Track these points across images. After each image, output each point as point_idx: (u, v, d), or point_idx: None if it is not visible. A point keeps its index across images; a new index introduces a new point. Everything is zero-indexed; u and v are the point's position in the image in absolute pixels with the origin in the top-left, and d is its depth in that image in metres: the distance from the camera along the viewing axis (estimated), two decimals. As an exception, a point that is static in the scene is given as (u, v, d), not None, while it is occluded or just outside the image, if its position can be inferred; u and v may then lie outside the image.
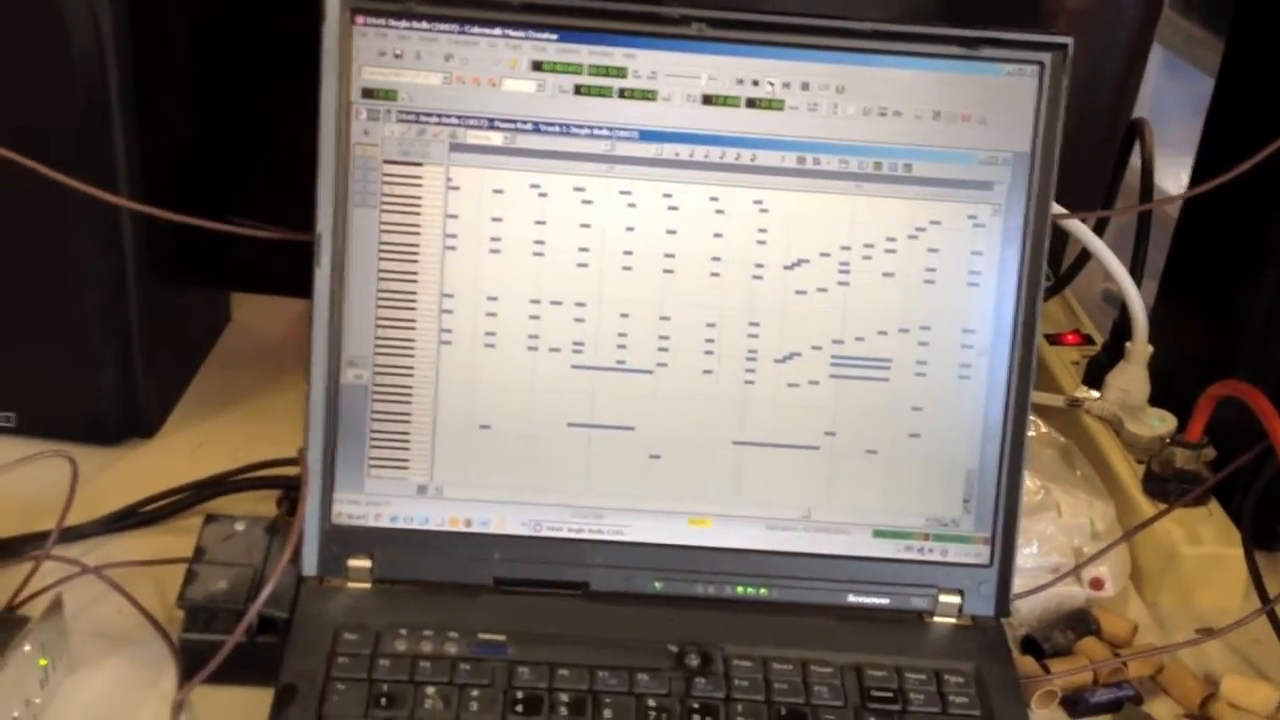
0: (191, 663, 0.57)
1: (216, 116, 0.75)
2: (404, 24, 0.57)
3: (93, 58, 0.64)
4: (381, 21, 0.56)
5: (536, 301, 0.58)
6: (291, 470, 0.70)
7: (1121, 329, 0.79)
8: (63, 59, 0.64)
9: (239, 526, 0.61)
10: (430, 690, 0.54)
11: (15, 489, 0.66)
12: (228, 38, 0.72)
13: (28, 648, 0.54)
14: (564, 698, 0.54)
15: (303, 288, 0.84)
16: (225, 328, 0.86)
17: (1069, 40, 0.58)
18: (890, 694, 0.55)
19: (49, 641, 0.56)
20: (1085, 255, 0.81)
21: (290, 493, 0.69)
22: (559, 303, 0.58)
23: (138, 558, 0.63)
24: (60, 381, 0.70)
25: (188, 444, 0.75)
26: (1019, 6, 0.79)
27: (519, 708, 0.54)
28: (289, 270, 0.82)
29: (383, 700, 0.53)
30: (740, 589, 0.59)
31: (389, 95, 0.57)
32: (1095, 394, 0.78)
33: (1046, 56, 0.58)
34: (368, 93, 0.57)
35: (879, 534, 0.60)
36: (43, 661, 0.55)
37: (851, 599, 0.59)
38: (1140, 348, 0.76)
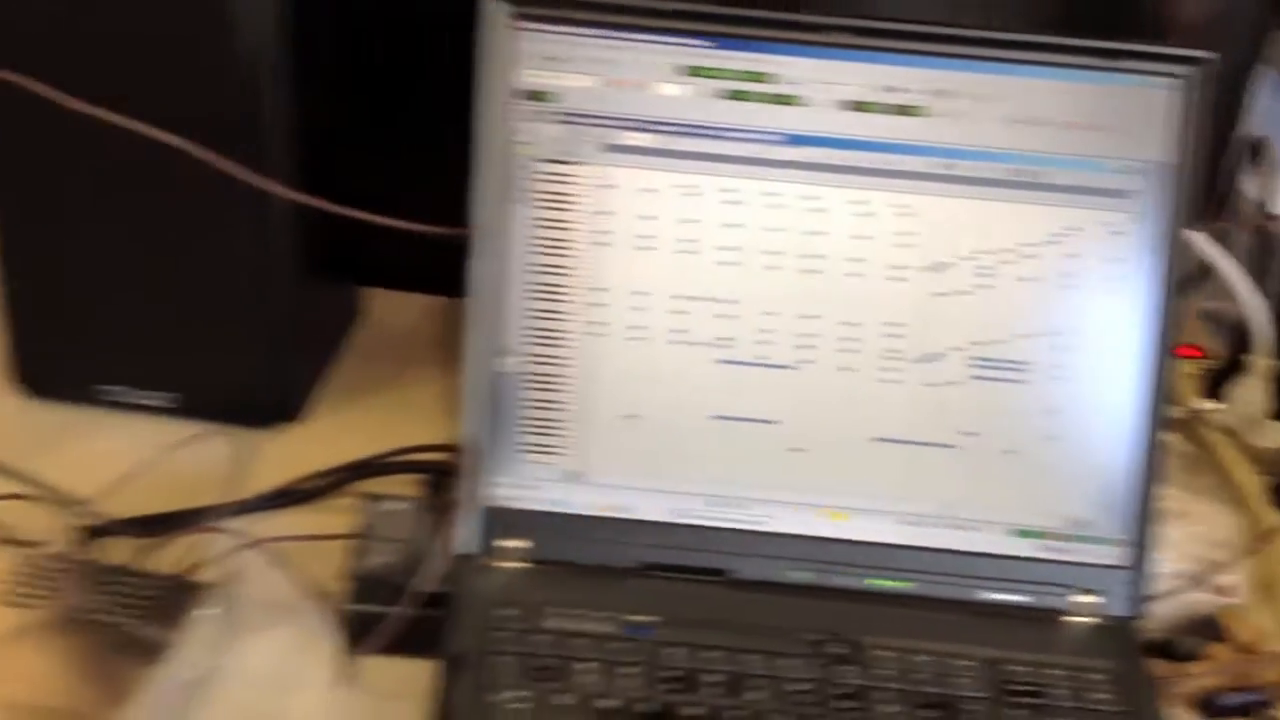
0: (356, 633, 0.60)
1: (364, 116, 0.78)
2: (563, 29, 0.59)
3: (255, 54, 0.67)
4: (542, 26, 0.59)
5: (683, 297, 0.60)
6: (435, 456, 0.73)
7: (1239, 342, 0.79)
8: (227, 55, 0.66)
9: (399, 506, 0.64)
10: (583, 665, 0.56)
11: (176, 467, 0.70)
12: (382, 38, 0.75)
13: (205, 612, 0.58)
14: (710, 678, 0.56)
15: (433, 284, 0.89)
16: (356, 321, 0.89)
17: (1214, 56, 0.59)
18: (1031, 688, 0.57)
19: (223, 607, 0.59)
20: (1204, 271, 0.82)
21: (437, 476, 0.72)
22: (705, 299, 0.60)
23: (294, 534, 0.67)
24: (218, 366, 0.73)
25: (328, 430, 0.78)
26: (1132, 21, 0.80)
27: (668, 685, 0.56)
28: (420, 267, 0.86)
29: (540, 673, 0.56)
30: (878, 582, 0.61)
31: (546, 97, 0.60)
32: (1216, 405, 0.79)
33: (1187, 70, 0.59)
34: (526, 94, 0.60)
35: (1017, 533, 0.61)
36: (216, 627, 0.59)
37: (988, 595, 0.60)
38: (1263, 361, 0.77)
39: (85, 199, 0.70)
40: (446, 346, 0.88)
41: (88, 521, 0.63)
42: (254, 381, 0.75)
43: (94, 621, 0.57)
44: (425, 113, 0.76)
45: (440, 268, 0.84)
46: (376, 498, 0.65)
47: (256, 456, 0.74)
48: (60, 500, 0.63)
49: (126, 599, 0.58)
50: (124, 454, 0.70)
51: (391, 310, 0.91)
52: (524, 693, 0.55)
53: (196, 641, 0.57)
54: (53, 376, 0.75)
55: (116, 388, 0.74)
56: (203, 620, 0.58)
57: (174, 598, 0.59)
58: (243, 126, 0.68)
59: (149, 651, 0.56)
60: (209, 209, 0.70)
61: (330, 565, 0.65)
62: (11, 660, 0.55)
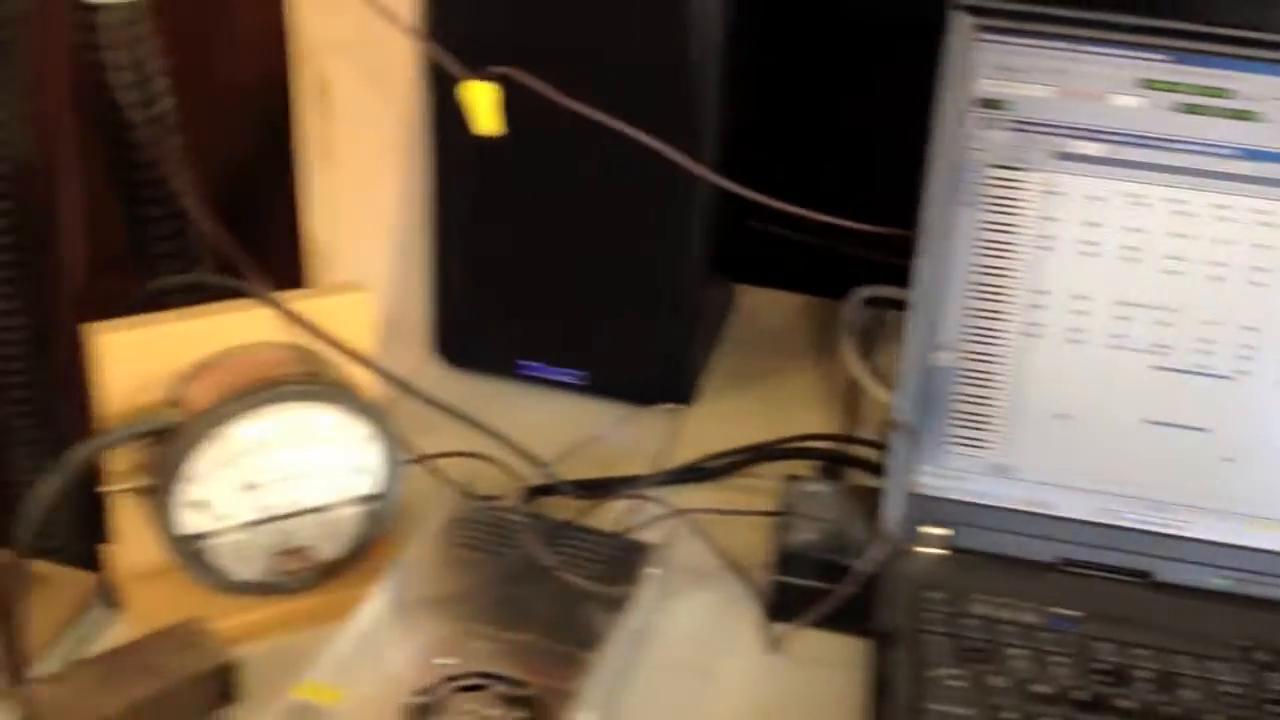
0: (779, 603, 0.64)
1: (779, 115, 0.82)
2: (1021, 40, 0.62)
3: (702, 56, 0.71)
4: (1001, 38, 0.62)
5: (1124, 303, 0.62)
6: (827, 444, 0.77)
7: None
8: (677, 56, 0.71)
9: (819, 487, 0.68)
10: (1013, 651, 0.59)
11: (595, 441, 0.76)
12: (809, 45, 0.79)
13: (653, 571, 0.63)
14: (1141, 674, 0.58)
15: (804, 284, 0.92)
16: (731, 315, 0.94)
17: None
18: None
19: (662, 568, 0.64)
20: None
21: (830, 463, 0.75)
22: (1146, 306, 0.62)
23: (708, 507, 0.71)
24: (626, 348, 0.79)
25: (714, 414, 0.83)
26: None
27: (1099, 677, 0.58)
28: (793, 267, 0.90)
29: (973, 654, 0.58)
30: (1311, 595, 0.61)
31: (1000, 105, 0.62)
32: None
33: None
34: (981, 102, 0.62)
35: None
36: (657, 585, 0.63)
37: None
38: None
39: (520, 185, 0.76)
40: (815, 343, 0.93)
41: (537, 481, 0.69)
42: (657, 365, 0.80)
43: (548, 570, 0.62)
44: (831, 114, 0.79)
45: (812, 269, 0.89)
46: (796, 479, 0.69)
47: (656, 435, 0.79)
48: (526, 459, 0.69)
49: (577, 552, 0.63)
50: (541, 424, 0.76)
51: (760, 306, 0.96)
52: (959, 671, 0.58)
53: (647, 597, 0.62)
54: (473, 350, 0.82)
55: (532, 364, 0.81)
56: (653, 578, 0.62)
57: (623, 555, 0.63)
58: (680, 123, 0.72)
59: (605, 602, 0.61)
60: (635, 202, 0.75)
61: (739, 538, 0.69)
62: (476, 601, 0.61)
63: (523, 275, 0.79)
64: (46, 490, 0.57)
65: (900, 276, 0.86)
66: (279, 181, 0.97)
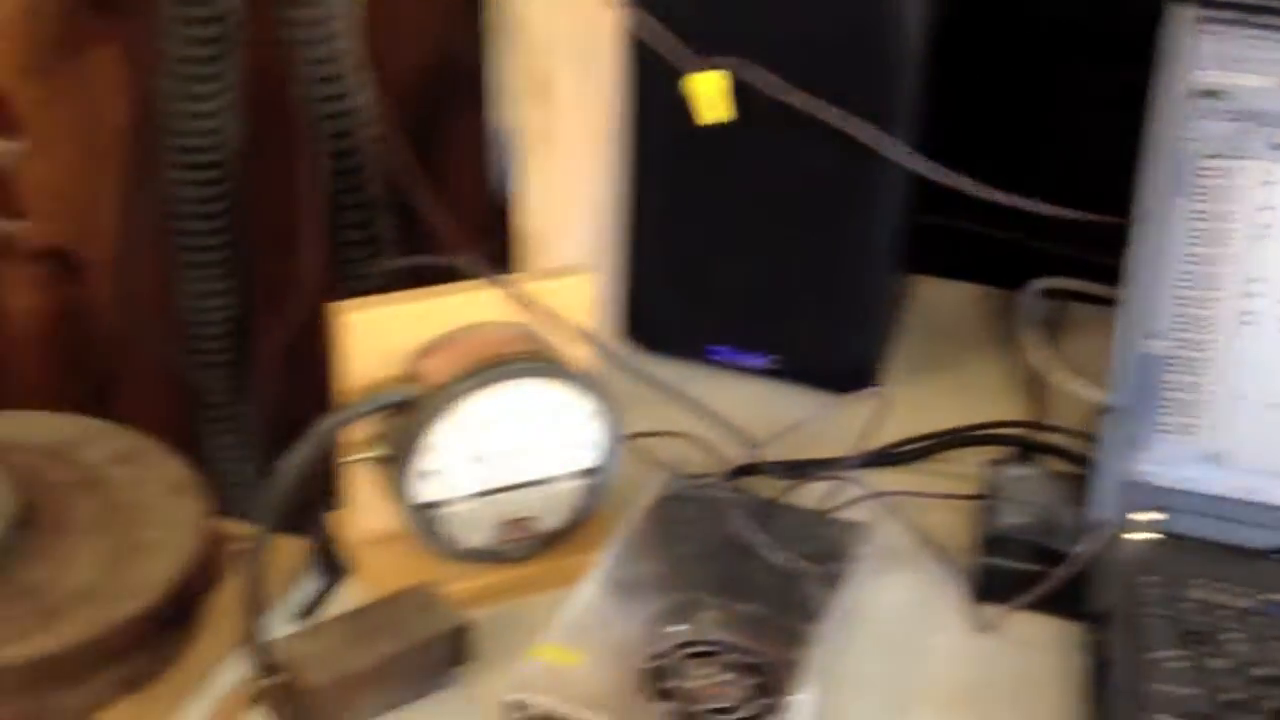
0: (986, 585, 0.65)
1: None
2: (1242, 31, 0.62)
3: (908, 46, 0.73)
4: (1221, 29, 0.62)
5: (1341, 293, 0.63)
6: (1013, 431, 0.78)
7: None
8: (886, 47, 0.72)
9: (1020, 471, 0.69)
10: (1231, 635, 0.59)
11: (796, 423, 0.77)
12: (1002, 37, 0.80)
13: (863, 549, 0.64)
14: (1365, 662, 0.58)
15: (977, 274, 0.93)
16: (906, 304, 0.95)
17: None
18: None
19: (871, 547, 0.66)
20: None
21: (1022, 450, 0.76)
22: (1364, 296, 0.62)
23: (907, 489, 0.72)
24: (815, 334, 0.80)
25: (898, 401, 0.83)
26: None
27: (1322, 663, 0.58)
28: (966, 257, 0.90)
29: (1191, 637, 0.59)
30: None
31: (1219, 95, 0.63)
32: None
33: None
34: (1200, 92, 0.63)
35: None
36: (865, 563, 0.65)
37: None
38: None
39: (716, 173, 0.78)
40: (992, 332, 0.93)
41: (740, 461, 0.71)
42: (843, 351, 0.81)
43: (758, 546, 0.64)
44: (1011, 108, 0.79)
45: (985, 259, 0.90)
46: (997, 463, 0.70)
47: (844, 419, 0.81)
48: (738, 439, 0.71)
49: (786, 530, 0.65)
50: (729, 406, 0.78)
51: (934, 296, 0.96)
52: (1180, 653, 0.58)
53: (857, 575, 0.64)
54: (662, 334, 0.84)
55: (722, 348, 0.83)
56: (862, 556, 0.64)
57: (832, 533, 0.65)
58: (880, 116, 0.73)
59: (821, 578, 0.62)
60: (829, 192, 0.77)
61: (936, 521, 0.70)
62: (697, 574, 0.63)
63: (716, 261, 0.80)
64: (293, 464, 0.60)
65: (1077, 268, 0.87)
66: (447, 167, 1.01)
